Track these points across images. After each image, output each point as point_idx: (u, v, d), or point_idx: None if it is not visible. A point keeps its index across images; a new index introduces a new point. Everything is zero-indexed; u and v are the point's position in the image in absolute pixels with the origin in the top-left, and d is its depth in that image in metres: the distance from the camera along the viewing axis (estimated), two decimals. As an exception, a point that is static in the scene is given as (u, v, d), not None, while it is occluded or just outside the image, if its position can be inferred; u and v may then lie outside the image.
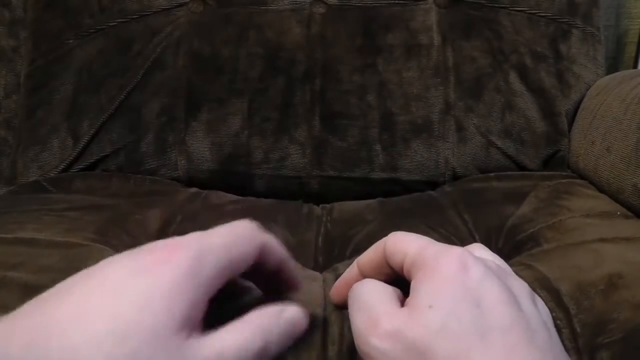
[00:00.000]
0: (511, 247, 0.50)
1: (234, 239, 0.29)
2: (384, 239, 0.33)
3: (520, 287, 0.31)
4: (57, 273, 0.39)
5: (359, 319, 0.30)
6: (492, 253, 0.35)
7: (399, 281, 0.32)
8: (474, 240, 0.52)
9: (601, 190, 0.62)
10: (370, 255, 0.34)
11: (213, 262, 0.27)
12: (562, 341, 0.35)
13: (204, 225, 0.52)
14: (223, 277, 0.28)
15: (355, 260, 0.35)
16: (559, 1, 0.75)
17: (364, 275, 0.34)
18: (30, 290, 0.37)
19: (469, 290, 0.28)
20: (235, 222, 0.31)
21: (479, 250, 0.34)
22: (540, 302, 0.32)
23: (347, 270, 0.36)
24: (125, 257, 0.27)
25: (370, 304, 0.30)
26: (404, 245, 0.32)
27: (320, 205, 0.65)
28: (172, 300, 0.25)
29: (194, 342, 0.24)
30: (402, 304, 0.30)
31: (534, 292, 0.32)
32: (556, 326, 0.36)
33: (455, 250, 0.30)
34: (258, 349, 0.27)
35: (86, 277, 0.26)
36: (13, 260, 0.41)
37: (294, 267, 0.34)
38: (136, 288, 0.25)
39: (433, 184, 0.72)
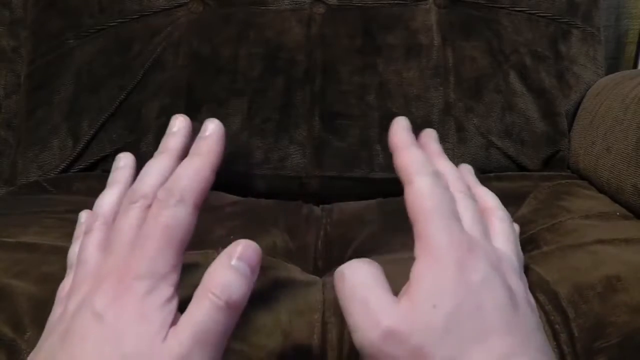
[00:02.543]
0: (510, 249, 0.50)
1: (200, 173, 0.32)
2: (414, 174, 0.32)
3: (519, 284, 0.31)
4: (60, 283, 0.39)
5: (357, 313, 0.29)
6: (505, 216, 0.35)
7: None
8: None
9: (601, 190, 0.62)
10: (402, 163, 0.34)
11: (176, 242, 0.29)
12: (560, 345, 0.36)
13: (203, 228, 0.52)
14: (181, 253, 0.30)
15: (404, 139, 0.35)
16: (559, 1, 0.75)
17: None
18: (36, 302, 0.37)
19: (471, 292, 0.28)
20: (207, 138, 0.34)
21: (495, 209, 0.35)
22: (532, 298, 0.32)
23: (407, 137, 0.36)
24: (86, 308, 0.28)
25: (368, 297, 0.29)
26: (420, 203, 0.31)
27: (320, 206, 0.65)
28: (144, 318, 0.27)
29: (169, 337, 0.27)
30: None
31: (527, 289, 0.32)
32: (554, 330, 0.36)
33: (462, 240, 0.30)
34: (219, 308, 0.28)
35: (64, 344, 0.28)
36: (16, 267, 0.41)
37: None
38: (111, 330, 0.27)
39: (433, 184, 0.72)
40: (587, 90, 0.75)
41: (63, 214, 0.55)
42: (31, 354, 0.30)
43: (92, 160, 0.73)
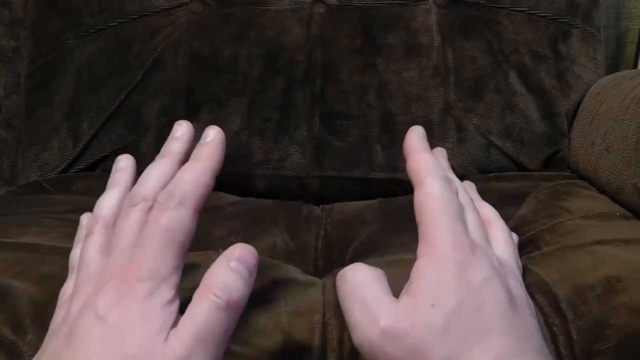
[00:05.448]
0: (510, 250, 0.50)
1: (201, 177, 0.33)
2: (423, 175, 0.33)
3: (517, 289, 0.31)
4: (61, 284, 0.39)
5: (356, 312, 0.29)
6: (505, 229, 0.36)
7: None
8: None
9: (601, 190, 0.62)
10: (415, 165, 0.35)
11: (177, 246, 0.30)
12: (558, 348, 0.36)
13: (203, 229, 0.52)
14: (181, 255, 0.30)
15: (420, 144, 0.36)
16: (559, 1, 0.75)
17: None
18: (36, 303, 0.37)
19: (471, 292, 0.28)
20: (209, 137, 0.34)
21: (495, 221, 0.37)
22: (531, 302, 0.33)
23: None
24: (89, 309, 0.28)
25: (367, 296, 0.30)
26: (428, 203, 0.32)
27: (320, 206, 0.65)
28: (147, 319, 0.28)
29: (170, 337, 0.27)
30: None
31: (527, 294, 0.33)
32: (553, 333, 0.37)
33: (465, 246, 0.30)
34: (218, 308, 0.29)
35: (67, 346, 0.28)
36: (16, 267, 0.41)
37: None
38: (114, 330, 0.27)
39: (433, 184, 0.72)
40: (587, 90, 0.74)
41: (63, 214, 0.55)
42: (35, 357, 0.30)
43: (92, 160, 0.73)
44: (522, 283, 0.34)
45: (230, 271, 0.29)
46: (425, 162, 0.34)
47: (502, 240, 0.36)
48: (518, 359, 0.27)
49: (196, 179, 0.32)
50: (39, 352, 0.30)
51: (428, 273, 0.29)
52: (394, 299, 0.29)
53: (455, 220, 0.31)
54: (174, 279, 0.29)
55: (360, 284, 0.30)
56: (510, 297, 0.30)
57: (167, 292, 0.29)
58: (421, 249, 0.30)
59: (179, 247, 0.30)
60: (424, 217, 0.31)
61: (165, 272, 0.29)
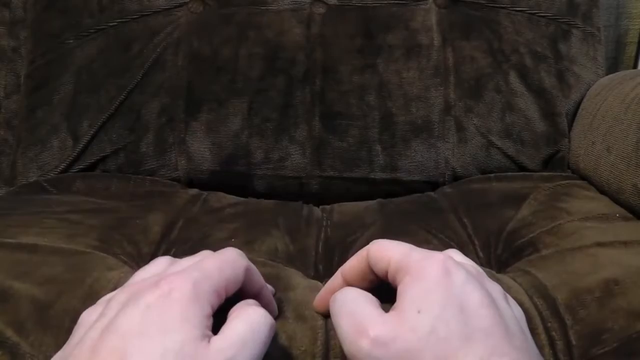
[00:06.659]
0: (510, 253, 0.50)
1: (224, 264, 0.32)
2: (367, 247, 0.35)
3: (496, 290, 0.32)
4: (63, 285, 0.39)
5: (345, 325, 0.31)
6: (466, 258, 0.37)
7: (382, 289, 0.34)
8: (473, 247, 0.53)
9: (601, 190, 0.62)
10: (353, 264, 0.36)
11: (209, 284, 0.30)
12: (556, 353, 0.36)
13: (203, 231, 0.52)
14: (220, 295, 0.31)
15: (339, 269, 0.37)
16: (559, 1, 0.75)
17: (347, 283, 0.36)
18: (38, 305, 0.37)
19: (453, 295, 0.29)
20: (224, 249, 0.34)
21: (455, 254, 0.37)
22: (512, 302, 0.33)
23: (331, 279, 0.38)
24: (132, 303, 0.29)
25: (356, 310, 0.31)
26: (387, 253, 0.33)
27: (320, 207, 0.65)
28: (189, 322, 0.28)
29: (213, 342, 0.28)
30: (384, 310, 0.31)
31: (507, 294, 0.33)
32: (551, 338, 0.37)
33: (438, 255, 0.32)
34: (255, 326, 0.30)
35: (105, 337, 0.28)
36: (18, 268, 0.42)
37: (270, 294, 0.37)
38: (157, 324, 0.28)
39: (433, 184, 0.72)
40: (587, 90, 0.74)
41: (63, 214, 0.55)
42: (58, 353, 0.30)
43: (92, 160, 0.73)
44: (497, 284, 0.34)
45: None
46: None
47: (462, 258, 0.37)
48: (504, 358, 0.28)
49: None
50: (68, 344, 0.30)
51: (411, 287, 0.30)
52: (382, 312, 0.31)
53: (413, 247, 0.33)
54: (214, 302, 0.30)
55: (349, 299, 0.32)
56: (490, 297, 0.31)
57: (207, 307, 0.30)
58: (403, 276, 0.32)
59: (231, 278, 0.32)
60: (390, 260, 0.33)
61: (209, 289, 0.30)
